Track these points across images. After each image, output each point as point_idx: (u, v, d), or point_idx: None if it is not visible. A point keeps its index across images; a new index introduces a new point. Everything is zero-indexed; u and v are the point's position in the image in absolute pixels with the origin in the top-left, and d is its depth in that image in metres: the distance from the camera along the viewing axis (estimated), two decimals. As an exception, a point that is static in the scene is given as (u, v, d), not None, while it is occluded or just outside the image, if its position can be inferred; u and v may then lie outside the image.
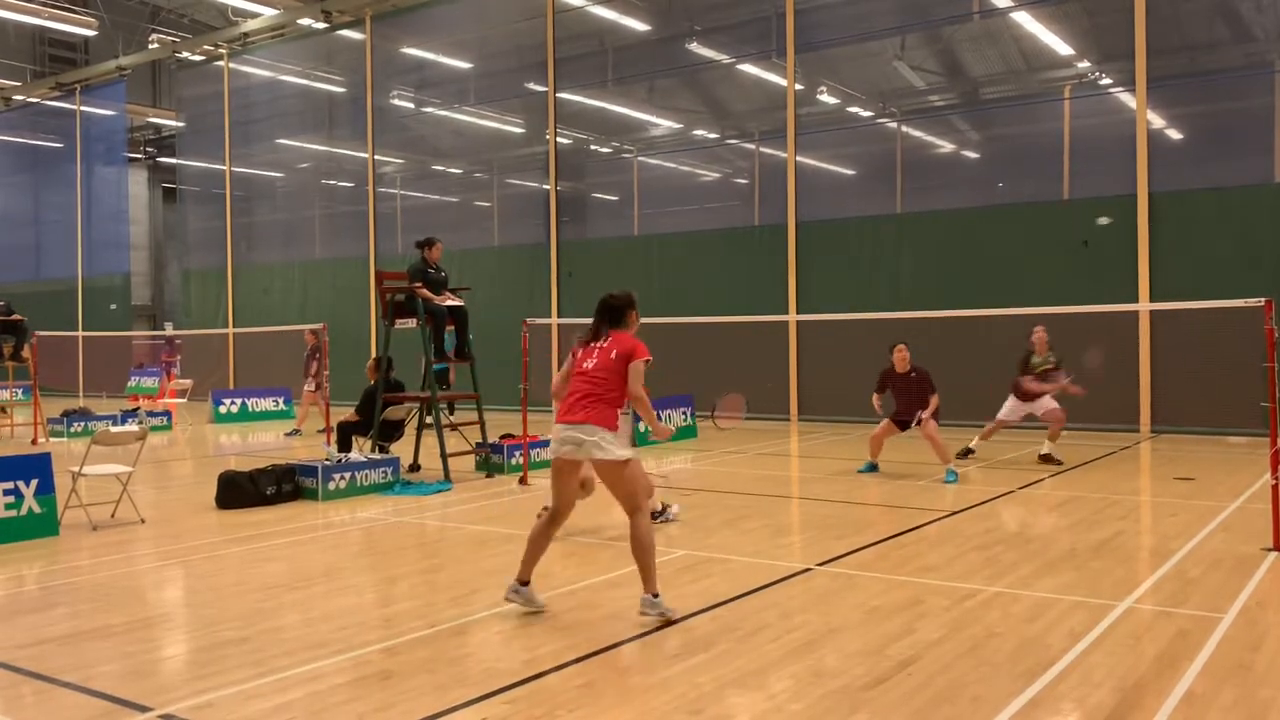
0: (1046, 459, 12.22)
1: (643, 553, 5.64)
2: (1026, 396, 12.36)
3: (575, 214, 22.82)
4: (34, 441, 16.29)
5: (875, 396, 11.55)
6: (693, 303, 19.26)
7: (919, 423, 11.26)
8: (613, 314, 5.98)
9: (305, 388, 17.70)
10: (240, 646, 5.33)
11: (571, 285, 21.78)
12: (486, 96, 24.04)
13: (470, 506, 9.92)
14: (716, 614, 5.81)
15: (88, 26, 27.31)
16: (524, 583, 5.89)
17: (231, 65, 27.80)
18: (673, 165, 23.16)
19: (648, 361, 5.86)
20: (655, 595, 5.63)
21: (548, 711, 4.34)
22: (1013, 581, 6.48)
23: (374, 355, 15.06)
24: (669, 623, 5.57)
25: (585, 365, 5.86)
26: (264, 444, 16.47)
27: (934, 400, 11.26)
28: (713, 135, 23.09)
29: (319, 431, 16.11)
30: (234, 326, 27.00)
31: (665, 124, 23.40)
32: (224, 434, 18.54)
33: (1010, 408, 12.52)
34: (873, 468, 11.77)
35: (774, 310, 18.45)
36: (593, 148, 23.71)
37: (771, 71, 19.91)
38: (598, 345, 5.89)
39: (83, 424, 17.17)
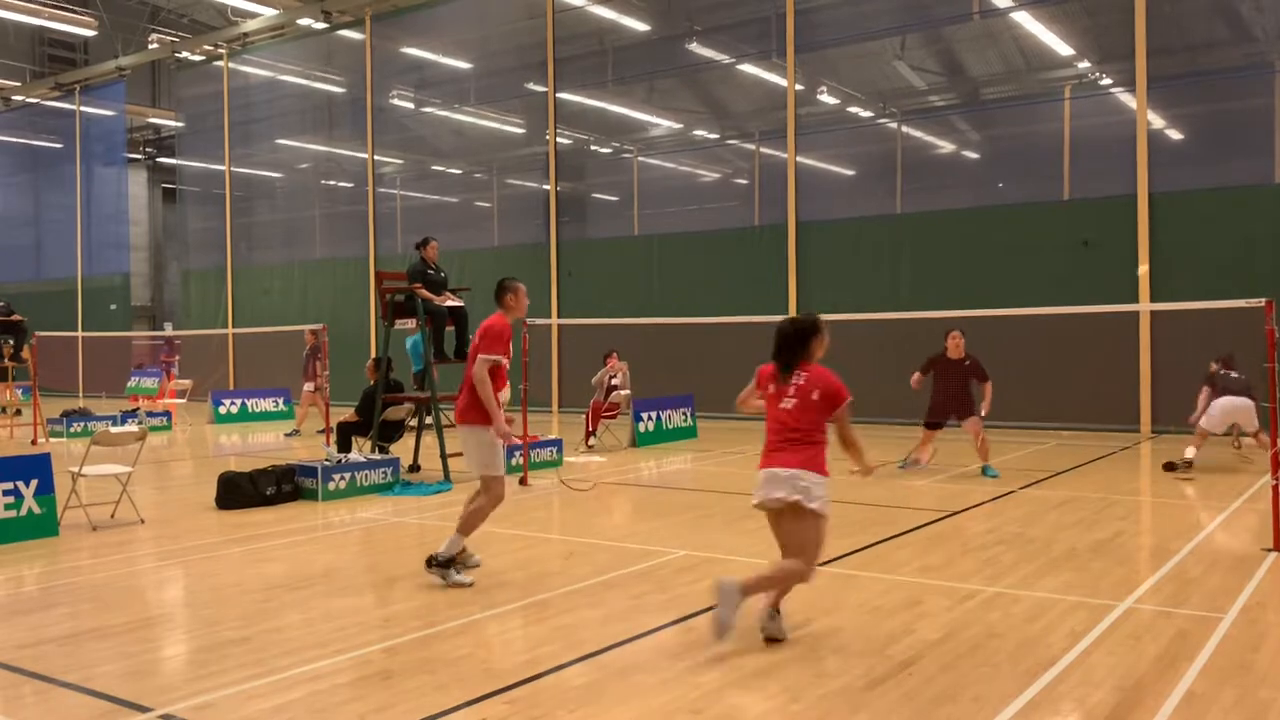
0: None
1: (785, 577, 5.33)
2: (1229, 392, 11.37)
3: (575, 214, 22.83)
4: (34, 442, 16.29)
5: (917, 375, 11.41)
6: (693, 303, 19.28)
7: (968, 417, 11.13)
8: (800, 344, 5.44)
9: (305, 388, 17.70)
10: (240, 646, 5.32)
11: (571, 285, 21.79)
12: (486, 97, 24.06)
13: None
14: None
15: (87, 27, 27.33)
16: (774, 609, 5.42)
17: (231, 65, 27.81)
18: (673, 165, 23.17)
19: (850, 401, 5.40)
20: (777, 610, 5.32)
21: (547, 711, 4.33)
22: (1013, 582, 6.48)
23: (373, 355, 15.06)
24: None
25: (784, 405, 5.39)
26: (264, 444, 16.47)
27: (989, 390, 11.16)
28: (713, 135, 23.09)
29: (319, 432, 16.10)
30: (234, 327, 27.00)
31: (665, 124, 23.40)
32: (224, 434, 18.54)
33: (1217, 416, 11.41)
34: (911, 464, 11.79)
35: (774, 310, 18.41)
36: (593, 148, 23.71)
37: (771, 71, 19.91)
38: (794, 382, 5.39)
39: (82, 424, 17.17)
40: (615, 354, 15.24)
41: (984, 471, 11.20)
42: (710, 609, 5.16)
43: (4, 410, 18.84)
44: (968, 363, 11.22)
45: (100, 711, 4.44)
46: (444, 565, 6.48)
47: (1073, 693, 4.50)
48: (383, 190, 25.47)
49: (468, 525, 6.60)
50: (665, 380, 17.80)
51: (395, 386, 12.46)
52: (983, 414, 11.18)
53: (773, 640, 5.26)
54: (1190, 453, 11.47)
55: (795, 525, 5.28)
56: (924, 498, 9.95)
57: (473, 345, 6.77)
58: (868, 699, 4.45)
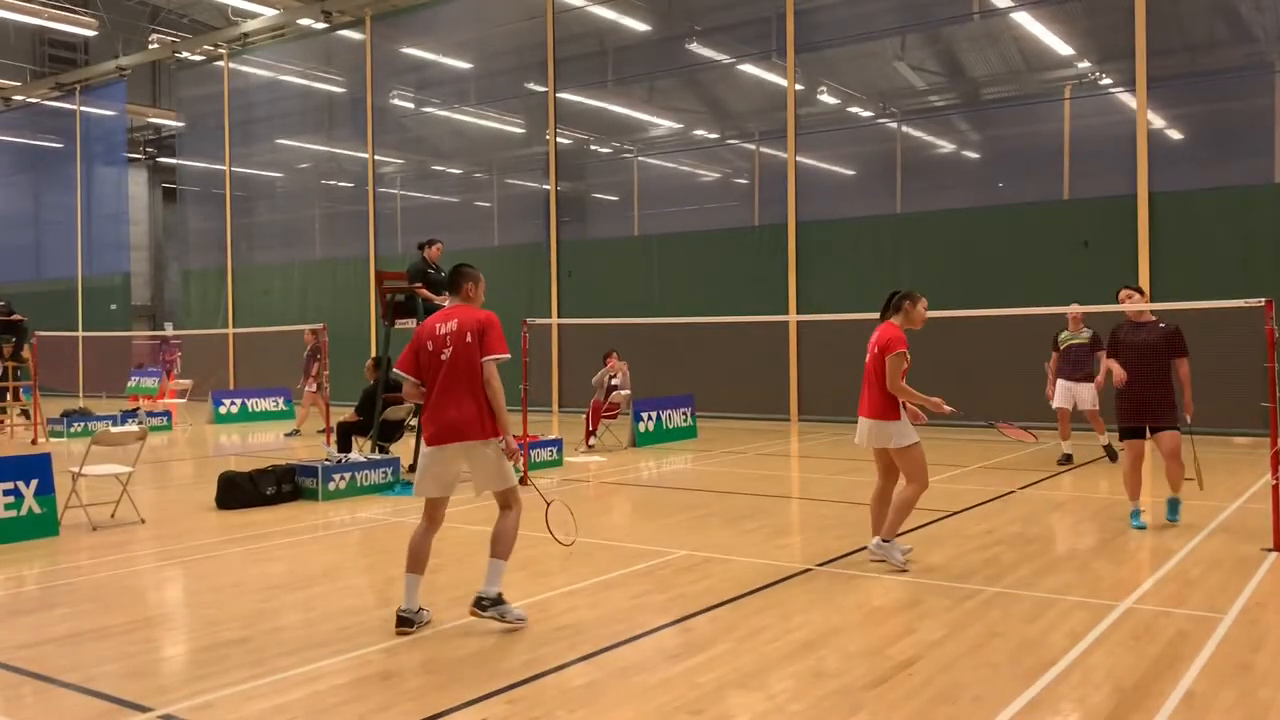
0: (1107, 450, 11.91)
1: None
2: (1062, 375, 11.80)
3: (575, 214, 22.83)
4: (34, 442, 16.29)
5: (1110, 367, 7.98)
6: (693, 303, 19.27)
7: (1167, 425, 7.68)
8: (890, 305, 7.11)
9: (305, 388, 17.70)
10: (240, 646, 5.33)
11: (571, 285, 21.78)
12: (487, 97, 24.05)
13: (470, 506, 9.90)
14: (717, 614, 5.82)
15: (88, 27, 27.30)
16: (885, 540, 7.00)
17: (231, 65, 27.81)
18: (673, 165, 23.16)
19: (902, 354, 6.60)
20: (886, 540, 6.94)
21: (548, 711, 4.34)
22: (1013, 582, 6.48)
23: (373, 355, 15.06)
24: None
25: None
26: (264, 444, 16.47)
27: (1187, 376, 7.70)
28: (713, 135, 23.08)
29: (319, 432, 16.11)
30: (234, 327, 27.00)
31: (665, 124, 23.39)
32: (224, 434, 18.54)
33: (1059, 394, 11.84)
34: (1137, 515, 8.27)
35: (774, 310, 18.45)
36: (593, 148, 23.72)
37: (771, 72, 19.91)
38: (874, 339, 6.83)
39: (83, 424, 17.17)
40: (615, 354, 15.24)
41: (1169, 510, 8.25)
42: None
43: (4, 410, 18.83)
44: (1162, 325, 7.80)
45: (100, 711, 4.45)
46: (499, 602, 5.60)
47: (1072, 693, 4.50)
48: (383, 190, 25.48)
49: (507, 548, 5.72)
50: (665, 380, 17.80)
51: (395, 386, 12.45)
52: (1187, 418, 7.72)
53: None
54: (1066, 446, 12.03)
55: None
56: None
57: (464, 344, 5.65)
58: (868, 699, 4.45)
